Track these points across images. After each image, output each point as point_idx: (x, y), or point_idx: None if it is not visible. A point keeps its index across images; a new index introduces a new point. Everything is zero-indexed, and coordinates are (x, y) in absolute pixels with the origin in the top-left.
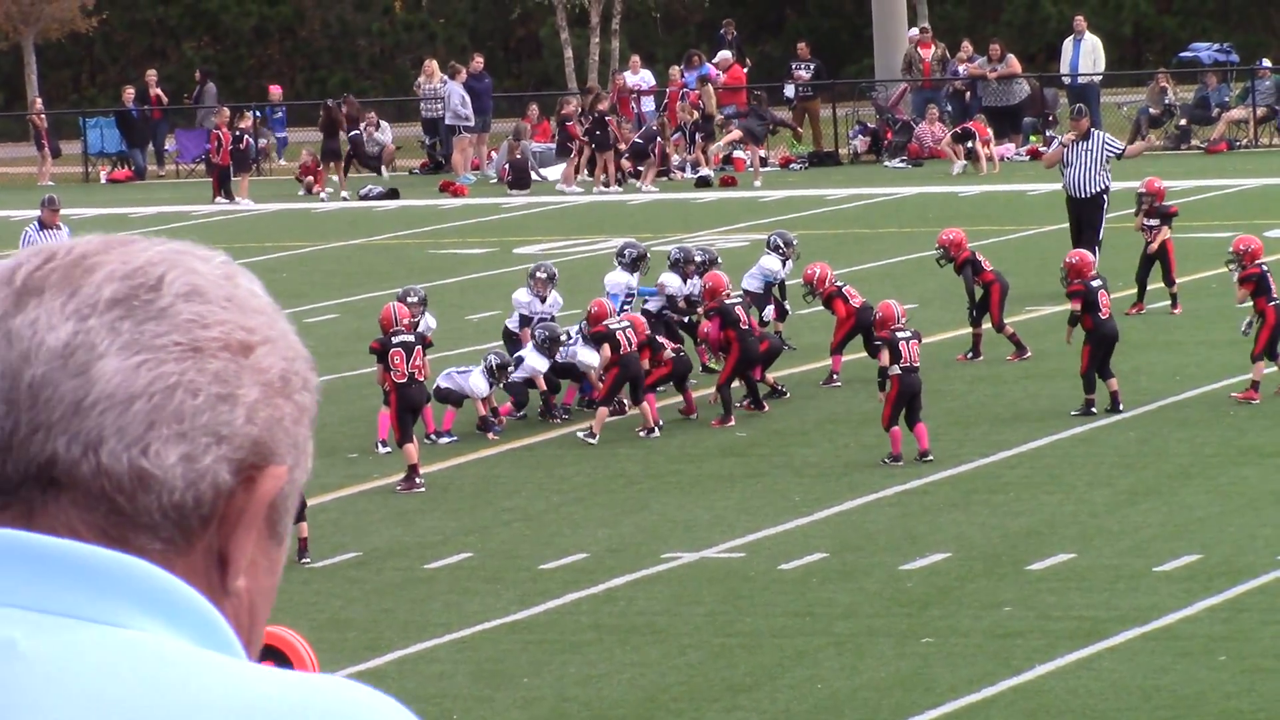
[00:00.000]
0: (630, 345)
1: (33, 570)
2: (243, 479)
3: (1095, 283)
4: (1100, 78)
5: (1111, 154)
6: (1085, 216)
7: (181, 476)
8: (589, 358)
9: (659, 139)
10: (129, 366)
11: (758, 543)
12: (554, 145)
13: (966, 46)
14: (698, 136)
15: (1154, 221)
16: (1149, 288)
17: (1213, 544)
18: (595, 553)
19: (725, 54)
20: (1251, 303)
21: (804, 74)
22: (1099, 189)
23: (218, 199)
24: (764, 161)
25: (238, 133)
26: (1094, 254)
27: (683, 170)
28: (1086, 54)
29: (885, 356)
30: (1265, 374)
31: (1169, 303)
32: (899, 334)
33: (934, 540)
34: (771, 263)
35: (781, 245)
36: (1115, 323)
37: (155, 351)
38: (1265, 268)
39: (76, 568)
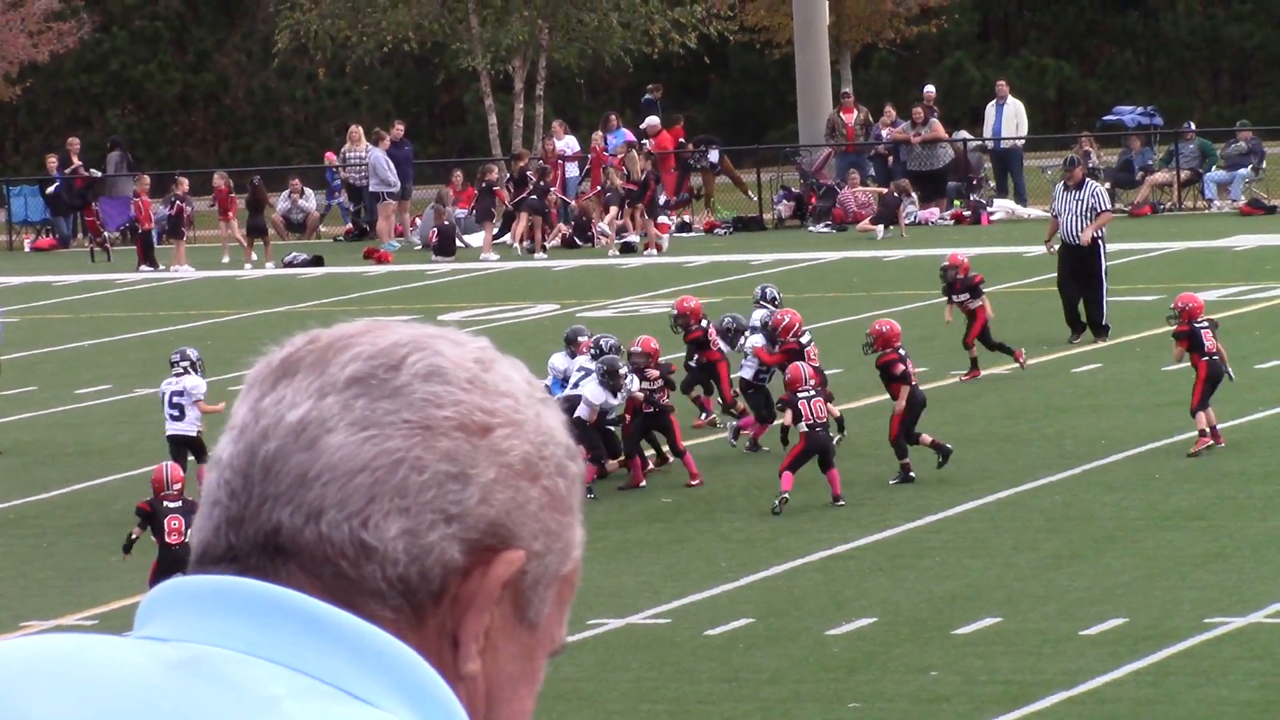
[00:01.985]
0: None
1: (302, 631)
2: (477, 560)
3: (903, 351)
4: (1023, 142)
5: (1098, 206)
6: (1085, 264)
7: (404, 550)
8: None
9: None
10: (355, 441)
11: (684, 608)
12: (473, 212)
13: (889, 111)
14: (625, 202)
15: (964, 296)
16: (1071, 349)
17: (1139, 608)
18: None
19: (653, 120)
20: (1189, 358)
21: (711, 155)
22: (1095, 235)
23: (142, 267)
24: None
25: (173, 199)
26: (1100, 303)
27: (607, 236)
28: (1009, 118)
29: (789, 416)
30: (1211, 427)
31: (967, 368)
32: (800, 394)
33: (860, 605)
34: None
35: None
36: (922, 391)
37: (383, 428)
38: (1202, 324)
39: (344, 638)
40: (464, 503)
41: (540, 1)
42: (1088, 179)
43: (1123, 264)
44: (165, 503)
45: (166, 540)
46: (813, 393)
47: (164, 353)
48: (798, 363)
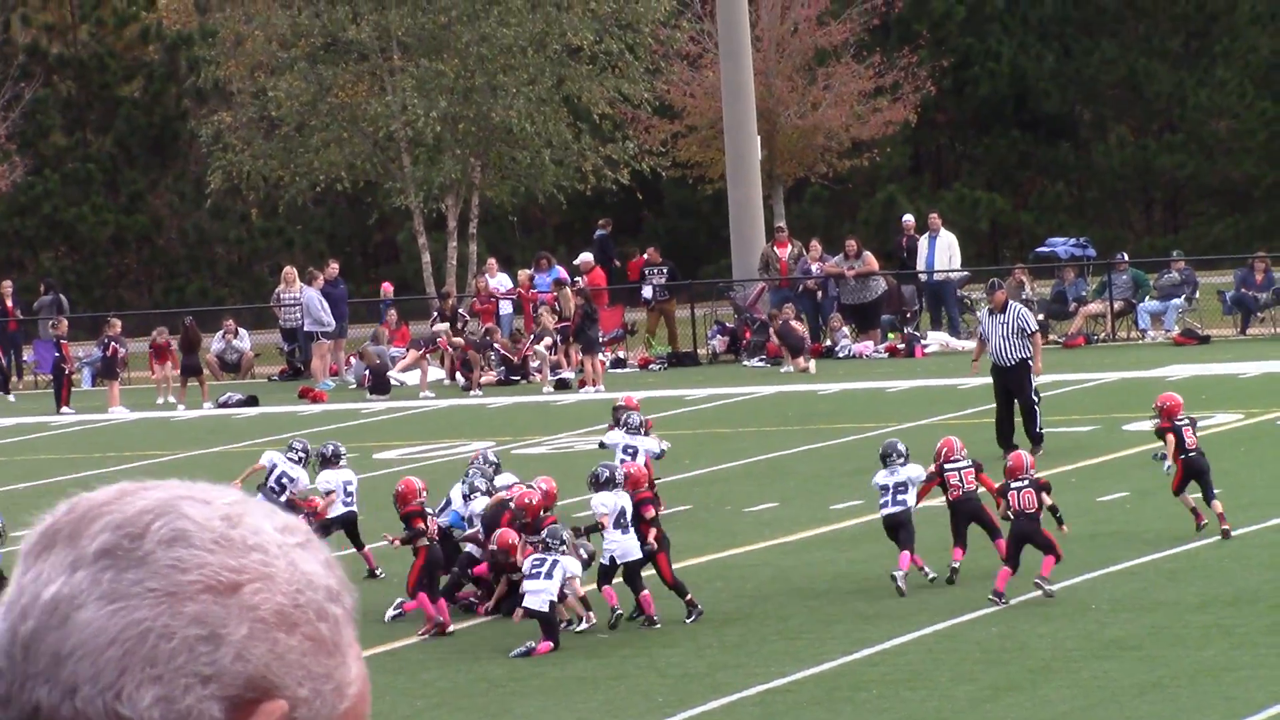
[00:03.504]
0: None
1: None
2: (241, 715)
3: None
4: (956, 274)
5: (1025, 329)
6: (1013, 385)
7: (160, 717)
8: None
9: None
10: (103, 615)
11: None
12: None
13: (815, 246)
14: (558, 340)
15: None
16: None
17: None
18: None
19: (586, 256)
20: (1170, 448)
21: (659, 279)
22: (1023, 355)
23: (65, 409)
24: (620, 363)
25: (106, 340)
26: (1033, 413)
27: (541, 372)
28: (942, 250)
29: (1000, 505)
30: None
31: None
32: (1014, 484)
33: None
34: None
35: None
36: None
37: (129, 599)
38: (1183, 421)
39: None
40: (218, 662)
41: (472, 140)
42: (1011, 301)
43: (1057, 395)
44: None
45: None
46: (1025, 483)
47: None
48: (1020, 452)
